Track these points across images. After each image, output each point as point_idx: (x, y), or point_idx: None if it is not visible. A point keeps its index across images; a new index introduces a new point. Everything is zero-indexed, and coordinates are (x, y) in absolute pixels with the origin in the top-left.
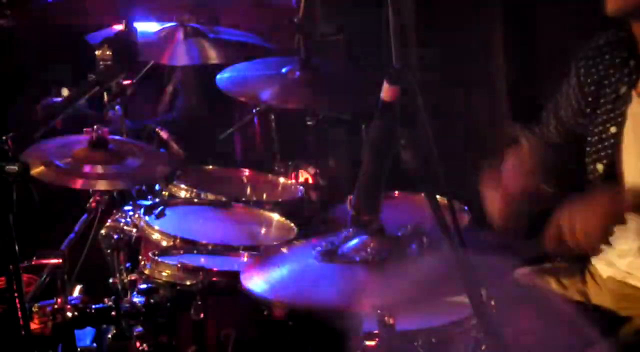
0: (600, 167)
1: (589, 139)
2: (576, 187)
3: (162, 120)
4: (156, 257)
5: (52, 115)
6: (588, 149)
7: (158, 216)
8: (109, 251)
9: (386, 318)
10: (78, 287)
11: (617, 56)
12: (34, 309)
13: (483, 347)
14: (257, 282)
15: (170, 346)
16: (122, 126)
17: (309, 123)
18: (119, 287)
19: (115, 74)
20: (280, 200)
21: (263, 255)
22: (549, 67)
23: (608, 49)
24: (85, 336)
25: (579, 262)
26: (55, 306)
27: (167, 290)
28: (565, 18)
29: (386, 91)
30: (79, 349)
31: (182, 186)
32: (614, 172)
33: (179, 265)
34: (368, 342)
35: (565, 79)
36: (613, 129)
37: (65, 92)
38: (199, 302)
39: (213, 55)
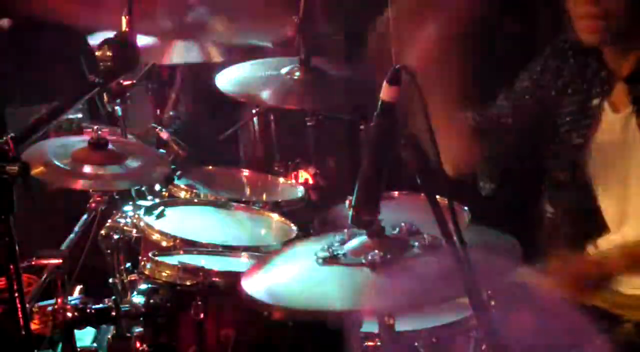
0: (562, 176)
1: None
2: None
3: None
4: (156, 258)
5: (52, 116)
6: (547, 152)
7: (158, 216)
8: (109, 251)
9: (386, 319)
10: (78, 288)
11: (584, 65)
12: (34, 309)
13: (483, 347)
14: (257, 286)
15: (170, 346)
16: (122, 127)
17: (309, 123)
18: (119, 287)
19: (115, 74)
20: (280, 200)
21: (263, 257)
22: None
23: (572, 53)
24: (85, 336)
25: None
26: (55, 306)
27: (167, 290)
28: None
29: (386, 91)
30: (79, 349)
31: (182, 186)
32: (577, 181)
33: (179, 265)
34: (368, 343)
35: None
36: (578, 140)
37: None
38: (199, 302)
39: (212, 55)
